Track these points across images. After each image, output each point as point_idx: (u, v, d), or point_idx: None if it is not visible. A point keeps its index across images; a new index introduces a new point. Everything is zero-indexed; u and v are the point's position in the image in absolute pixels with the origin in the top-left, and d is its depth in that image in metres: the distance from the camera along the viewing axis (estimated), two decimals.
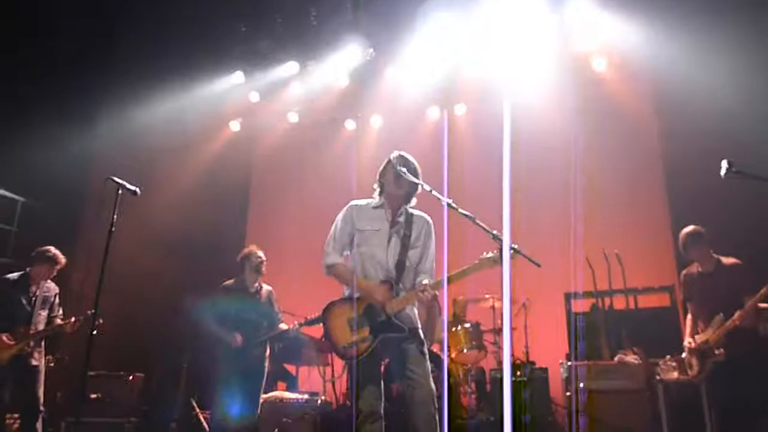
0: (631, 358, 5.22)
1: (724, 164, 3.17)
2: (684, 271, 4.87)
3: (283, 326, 5.41)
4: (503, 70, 7.81)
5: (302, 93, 9.04)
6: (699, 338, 4.61)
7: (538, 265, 2.94)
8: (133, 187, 4.23)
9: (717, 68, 6.38)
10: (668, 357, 5.15)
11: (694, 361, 4.64)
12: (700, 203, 5.83)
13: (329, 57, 8.71)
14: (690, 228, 4.71)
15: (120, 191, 4.15)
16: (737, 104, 6.19)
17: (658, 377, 5.06)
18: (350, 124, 9.22)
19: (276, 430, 5.64)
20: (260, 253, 5.55)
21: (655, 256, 6.84)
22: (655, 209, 7.09)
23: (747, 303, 4.27)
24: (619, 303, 5.88)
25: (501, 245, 2.95)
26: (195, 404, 5.90)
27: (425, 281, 3.55)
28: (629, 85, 7.64)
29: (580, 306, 5.96)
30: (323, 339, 3.69)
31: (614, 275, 5.75)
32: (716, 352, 4.43)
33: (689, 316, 4.84)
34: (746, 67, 6.31)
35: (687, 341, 4.71)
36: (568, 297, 6.00)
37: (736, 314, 4.31)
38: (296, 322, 5.41)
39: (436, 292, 3.52)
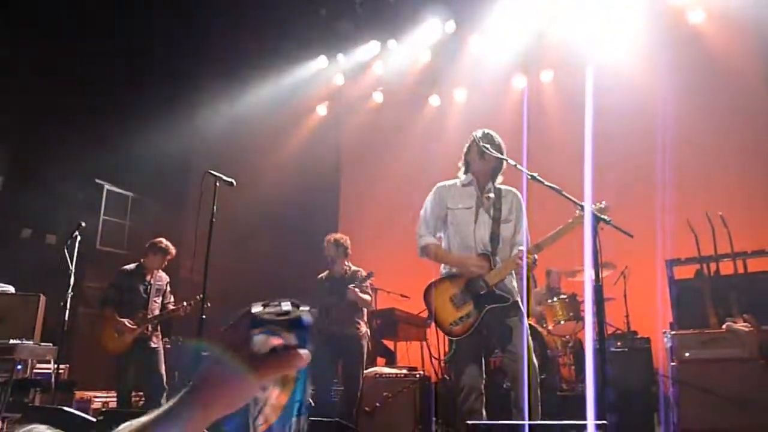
0: (742, 326, 4.95)
1: None
2: None
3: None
4: (589, 30, 7.50)
5: (385, 72, 9.10)
6: None
7: (630, 236, 2.86)
8: (229, 179, 4.44)
9: None
10: None
11: None
12: None
13: (410, 33, 8.71)
14: None
15: (218, 183, 4.38)
16: None
17: None
18: (435, 100, 9.16)
19: (377, 404, 5.81)
20: (341, 240, 5.54)
21: (764, 217, 6.39)
22: (765, 167, 6.61)
23: None
24: (726, 268, 5.54)
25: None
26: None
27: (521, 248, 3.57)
28: (731, 38, 7.09)
29: (684, 273, 5.68)
30: (428, 320, 3.74)
31: (719, 239, 5.42)
32: None
33: None
34: None
35: None
36: (669, 264, 5.72)
37: None
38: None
39: (535, 256, 3.51)
